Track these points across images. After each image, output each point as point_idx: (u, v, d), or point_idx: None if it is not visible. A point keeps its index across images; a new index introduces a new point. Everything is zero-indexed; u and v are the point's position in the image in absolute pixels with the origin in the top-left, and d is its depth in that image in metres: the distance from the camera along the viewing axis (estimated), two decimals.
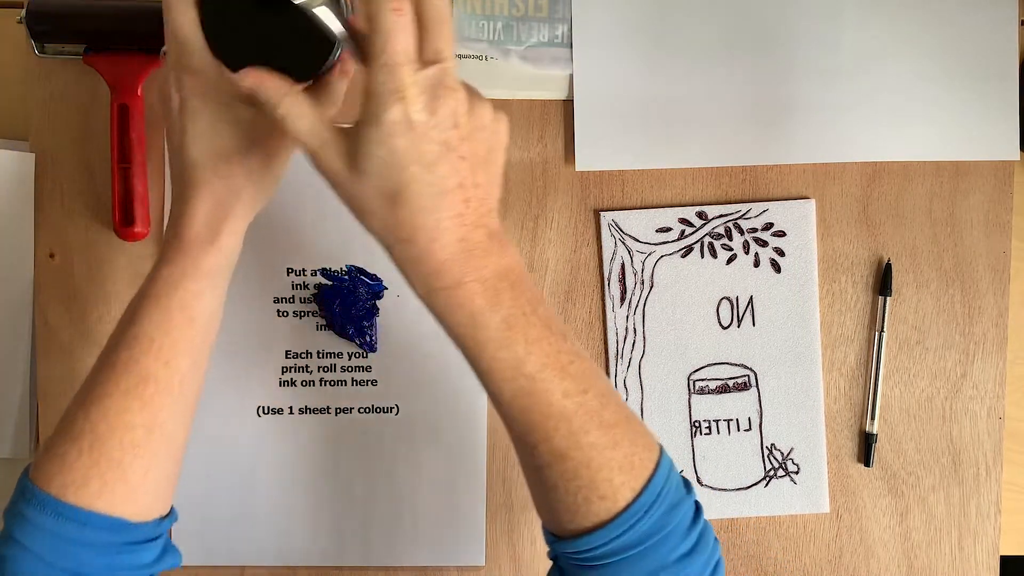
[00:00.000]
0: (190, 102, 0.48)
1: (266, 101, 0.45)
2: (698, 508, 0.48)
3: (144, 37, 0.62)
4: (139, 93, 0.63)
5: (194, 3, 0.47)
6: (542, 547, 0.67)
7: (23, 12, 0.61)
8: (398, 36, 0.42)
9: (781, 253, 0.67)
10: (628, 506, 0.45)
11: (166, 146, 0.52)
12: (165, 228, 0.52)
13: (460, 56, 0.65)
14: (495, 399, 0.47)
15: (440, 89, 0.42)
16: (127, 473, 0.48)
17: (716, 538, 0.49)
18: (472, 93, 0.44)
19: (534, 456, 0.46)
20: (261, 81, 0.45)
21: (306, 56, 0.46)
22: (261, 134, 0.49)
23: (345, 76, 0.50)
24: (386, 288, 0.66)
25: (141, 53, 0.63)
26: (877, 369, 0.67)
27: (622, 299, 0.67)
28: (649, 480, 0.46)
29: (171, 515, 0.53)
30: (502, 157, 0.46)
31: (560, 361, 0.46)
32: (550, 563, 0.50)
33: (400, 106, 0.41)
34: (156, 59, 0.63)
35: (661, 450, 0.48)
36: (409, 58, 0.42)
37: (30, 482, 0.48)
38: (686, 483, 0.49)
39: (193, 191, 0.50)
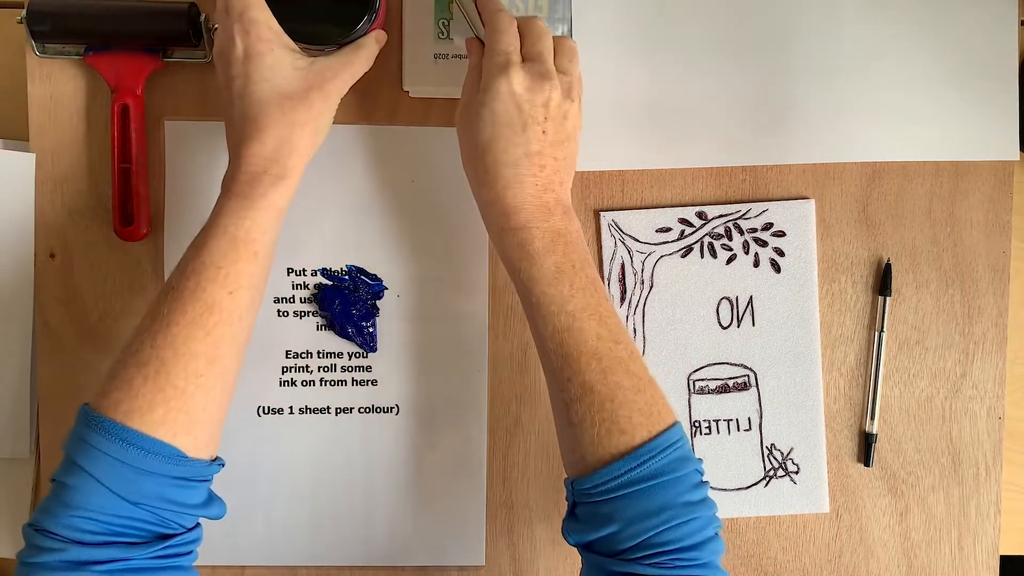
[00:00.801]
0: (255, 47, 0.54)
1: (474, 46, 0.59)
2: (704, 479, 0.52)
3: (145, 37, 0.62)
4: (139, 93, 0.63)
5: None
6: (542, 547, 0.68)
7: (23, 12, 0.61)
8: (510, 32, 0.56)
9: (781, 253, 0.67)
10: (644, 443, 0.50)
11: (225, 95, 0.56)
12: (227, 168, 0.56)
13: (461, 56, 0.65)
14: (540, 335, 0.54)
15: (538, 79, 0.55)
16: (189, 403, 0.51)
17: (718, 517, 0.52)
18: (567, 94, 0.56)
19: (566, 390, 0.52)
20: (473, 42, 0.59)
21: (344, 18, 0.58)
22: (317, 79, 0.56)
23: (379, 43, 0.60)
24: (386, 288, 0.66)
25: (142, 53, 0.63)
26: (877, 369, 0.67)
27: (622, 299, 0.67)
28: (665, 430, 0.51)
29: (219, 460, 0.55)
30: (576, 148, 0.57)
31: (599, 311, 0.53)
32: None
33: (505, 80, 0.54)
34: (157, 59, 0.63)
35: (678, 421, 0.53)
36: (515, 50, 0.55)
37: (93, 411, 0.50)
38: (703, 472, 0.53)
39: (260, 129, 0.54)
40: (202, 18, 0.62)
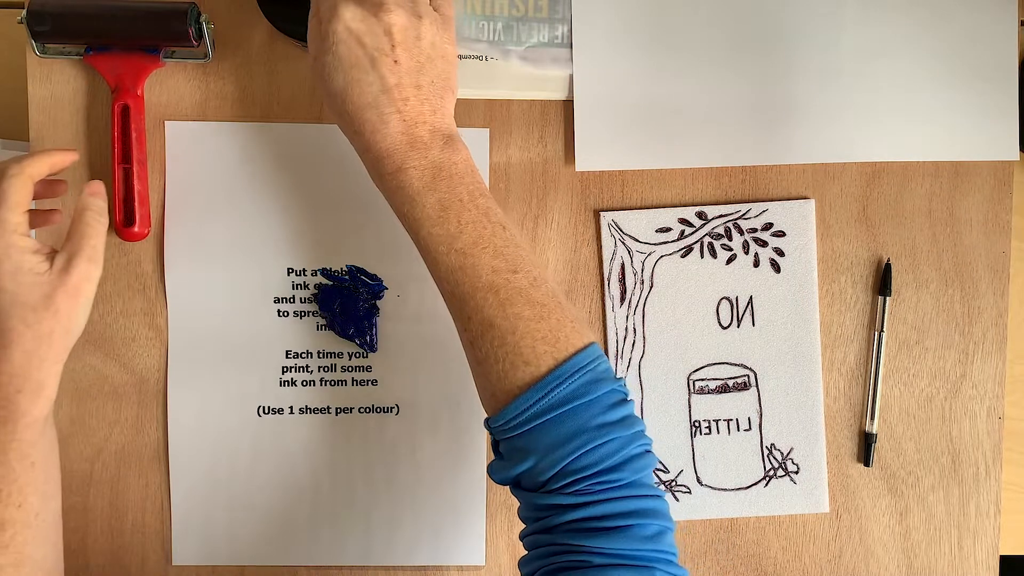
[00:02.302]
0: None
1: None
2: (627, 398, 0.51)
3: (145, 37, 0.62)
4: (140, 93, 0.63)
5: None
6: None
7: (24, 12, 0.61)
8: None
9: (781, 253, 0.67)
10: (549, 371, 0.49)
11: None
12: None
13: (461, 56, 0.65)
14: (435, 276, 0.53)
15: (371, 7, 0.51)
16: None
17: (647, 434, 0.51)
18: (413, 12, 0.52)
19: (468, 329, 0.51)
20: None
21: None
22: (59, 281, 0.54)
23: (97, 196, 0.58)
24: (386, 288, 0.66)
25: (142, 53, 0.63)
26: (877, 369, 0.67)
27: (622, 299, 0.67)
28: (573, 354, 0.50)
29: None
30: (448, 67, 0.54)
31: (493, 242, 0.51)
32: None
33: (338, 19, 0.51)
34: (157, 59, 0.63)
35: (593, 342, 0.52)
36: None
37: None
38: (625, 393, 0.52)
39: (4, 347, 0.53)
40: (203, 18, 0.62)
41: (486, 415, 0.53)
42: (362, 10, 0.51)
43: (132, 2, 0.62)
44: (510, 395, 0.50)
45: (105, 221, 0.58)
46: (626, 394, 0.51)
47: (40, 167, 0.56)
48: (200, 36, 0.62)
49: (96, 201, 0.58)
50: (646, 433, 0.51)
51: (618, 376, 0.53)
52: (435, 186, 0.52)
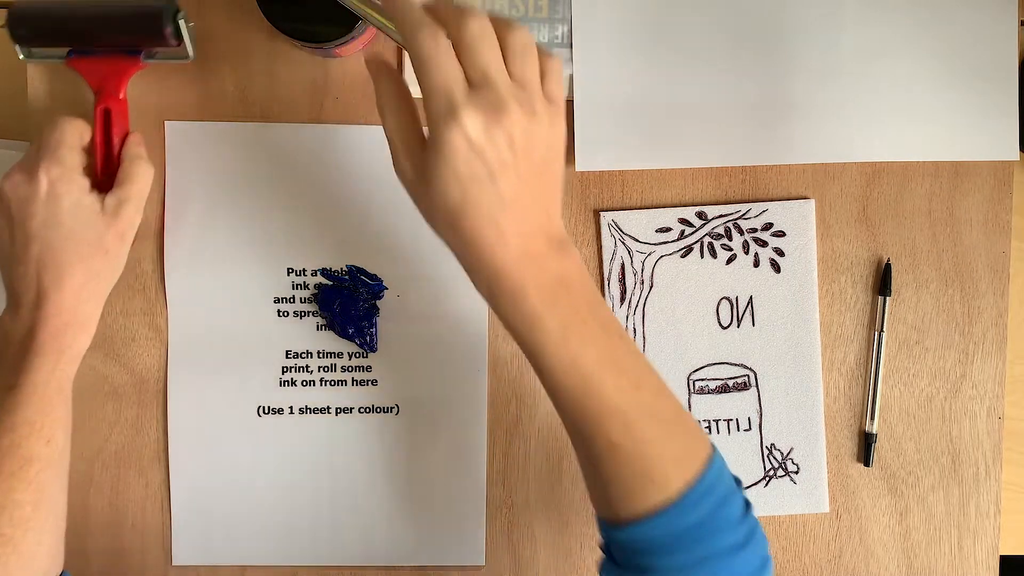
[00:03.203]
0: (57, 187, 0.56)
1: (375, 75, 0.48)
2: (748, 505, 0.50)
3: (123, 38, 0.61)
4: (122, 96, 0.62)
5: None
6: (542, 547, 0.68)
7: (3, 17, 0.60)
8: (440, 63, 0.44)
9: (781, 253, 0.67)
10: (681, 496, 0.47)
11: (18, 233, 0.56)
12: (17, 315, 0.56)
13: None
14: (553, 395, 0.49)
15: (494, 113, 0.44)
16: (20, 546, 0.52)
17: (764, 535, 0.50)
18: (529, 113, 0.45)
19: (590, 448, 0.48)
20: (378, 65, 0.48)
21: (344, 17, 0.57)
22: (112, 222, 0.58)
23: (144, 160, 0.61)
24: (386, 288, 0.66)
25: (123, 55, 0.62)
26: (877, 369, 0.67)
27: (622, 299, 0.67)
28: (701, 473, 0.48)
29: (64, 574, 0.57)
30: (560, 165, 0.48)
31: (615, 357, 0.48)
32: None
33: (457, 128, 0.43)
34: (138, 60, 0.62)
35: (713, 448, 0.50)
36: (456, 81, 0.44)
37: None
38: (737, 481, 0.51)
39: (59, 278, 0.56)
40: (181, 16, 0.60)
41: (598, 514, 0.51)
42: (484, 117, 0.44)
43: (110, 4, 0.61)
44: (636, 515, 0.47)
45: (151, 170, 0.60)
46: (747, 501, 0.50)
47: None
48: (179, 36, 0.61)
49: (142, 150, 0.61)
50: (763, 539, 0.50)
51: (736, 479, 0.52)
52: (555, 304, 0.47)
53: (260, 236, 0.66)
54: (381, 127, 0.48)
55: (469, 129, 0.43)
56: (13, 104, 0.67)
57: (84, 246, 0.56)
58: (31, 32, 0.60)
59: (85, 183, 0.57)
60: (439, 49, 0.44)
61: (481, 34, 0.44)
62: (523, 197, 0.46)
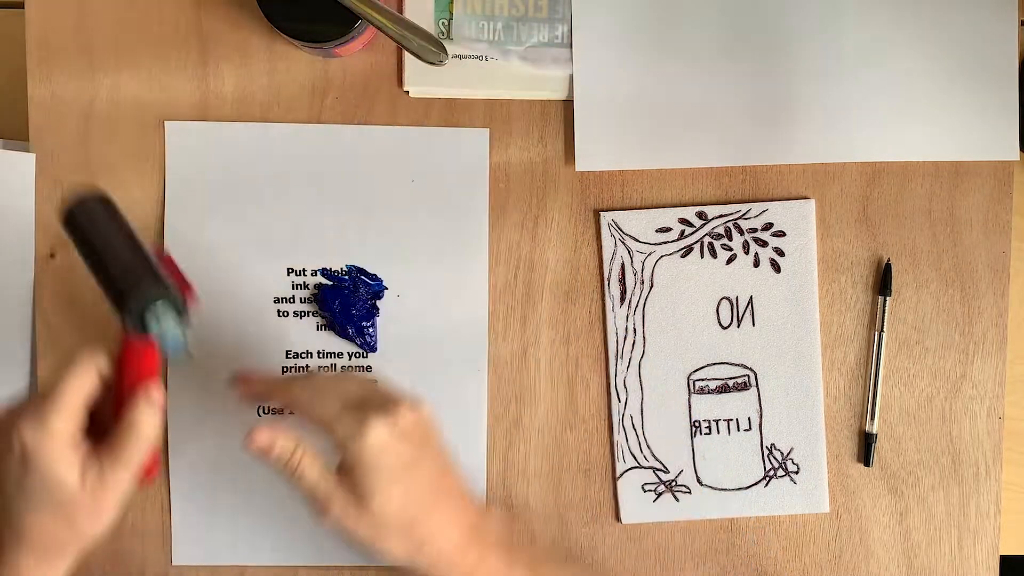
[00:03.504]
0: (31, 455, 0.48)
1: (277, 460, 0.51)
2: None
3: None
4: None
5: None
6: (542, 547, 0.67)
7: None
8: (313, 403, 0.52)
9: (781, 253, 0.67)
10: None
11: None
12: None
13: (460, 56, 0.65)
14: None
15: (380, 408, 0.51)
16: None
17: None
18: (393, 401, 0.52)
19: None
20: (272, 439, 0.51)
21: (344, 17, 0.57)
22: (86, 503, 0.50)
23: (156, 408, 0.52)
24: (386, 288, 0.66)
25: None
26: (877, 369, 0.67)
27: (622, 299, 0.67)
28: None
29: None
30: (439, 436, 0.55)
31: None
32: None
33: (372, 433, 0.49)
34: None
35: None
36: (341, 405, 0.51)
37: None
38: None
39: (13, 543, 0.50)
40: (160, 314, 0.50)
41: None
42: (381, 415, 0.51)
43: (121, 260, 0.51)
44: None
45: (157, 424, 0.51)
46: None
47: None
48: (147, 332, 0.49)
49: (155, 397, 0.51)
50: None
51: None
52: (513, 560, 0.54)
53: (260, 236, 0.66)
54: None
55: (378, 431, 0.50)
56: (13, 104, 0.67)
57: (49, 522, 0.50)
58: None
59: (67, 453, 0.49)
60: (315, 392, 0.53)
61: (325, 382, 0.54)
62: (443, 470, 0.54)
